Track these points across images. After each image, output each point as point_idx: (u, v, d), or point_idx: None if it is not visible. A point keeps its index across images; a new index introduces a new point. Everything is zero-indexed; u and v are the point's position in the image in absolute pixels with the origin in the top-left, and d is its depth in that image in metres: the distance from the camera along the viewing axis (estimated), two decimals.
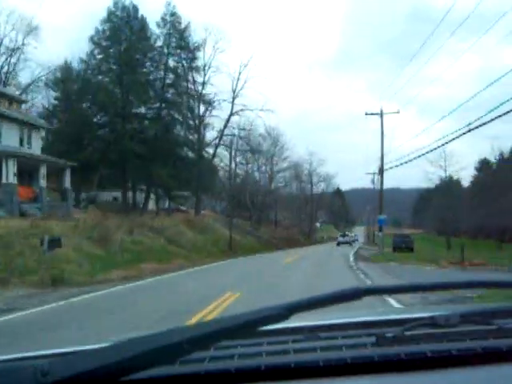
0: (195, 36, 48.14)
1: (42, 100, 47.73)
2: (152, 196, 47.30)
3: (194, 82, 49.77)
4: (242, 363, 0.96)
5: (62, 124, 44.98)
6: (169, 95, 46.71)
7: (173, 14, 46.18)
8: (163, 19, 46.14)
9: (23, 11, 79.27)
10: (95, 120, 45.80)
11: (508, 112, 17.76)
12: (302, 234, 74.06)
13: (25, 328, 8.13)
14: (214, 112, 51.83)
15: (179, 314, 8.94)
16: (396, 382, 0.94)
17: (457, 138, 23.05)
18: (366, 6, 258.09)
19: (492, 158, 70.78)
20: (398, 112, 33.46)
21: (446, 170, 59.53)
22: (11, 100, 33.25)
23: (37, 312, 9.79)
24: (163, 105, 45.86)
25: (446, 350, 0.98)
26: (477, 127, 20.55)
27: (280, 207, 71.32)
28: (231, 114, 52.23)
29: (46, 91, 47.80)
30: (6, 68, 44.47)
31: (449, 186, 61.90)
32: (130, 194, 45.49)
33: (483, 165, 73.64)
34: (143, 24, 44.81)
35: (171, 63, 46.79)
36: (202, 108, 50.71)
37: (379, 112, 32.94)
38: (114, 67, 43.78)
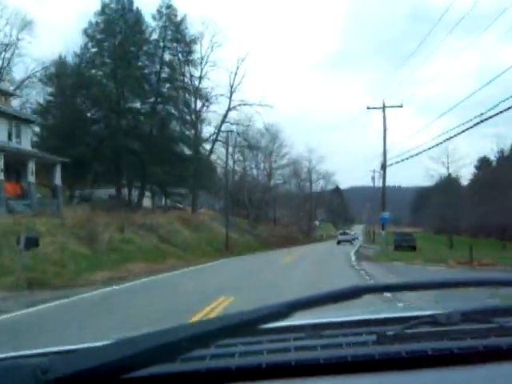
0: (192, 29, 47.10)
1: (36, 96, 46.69)
2: (148, 193, 46.17)
3: (191, 76, 48.74)
4: (242, 361, 0.97)
5: (56, 120, 43.86)
6: (164, 90, 45.47)
7: (169, 7, 45.00)
8: (159, 12, 45.00)
9: (17, 6, 77.89)
10: (89, 115, 44.61)
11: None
12: (301, 233, 72.99)
13: None
14: (211, 107, 50.91)
15: (158, 325, 7.66)
16: (397, 380, 0.94)
17: (463, 131, 22.18)
18: (365, 5, 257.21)
19: (492, 156, 70.28)
20: (401, 106, 32.13)
21: (448, 167, 58.90)
22: (5, 95, 32.33)
23: None
24: (159, 99, 44.63)
25: (447, 348, 0.99)
26: (482, 121, 19.78)
27: (279, 205, 70.14)
28: (229, 109, 51.29)
29: (40, 87, 46.76)
30: (0, 63, 43.44)
31: (449, 184, 61.14)
32: (125, 191, 44.40)
33: (483, 163, 72.97)
34: (138, 17, 43.67)
35: (167, 57, 45.65)
36: (199, 103, 49.79)
37: (381, 106, 31.85)
38: (108, 61, 42.58)
